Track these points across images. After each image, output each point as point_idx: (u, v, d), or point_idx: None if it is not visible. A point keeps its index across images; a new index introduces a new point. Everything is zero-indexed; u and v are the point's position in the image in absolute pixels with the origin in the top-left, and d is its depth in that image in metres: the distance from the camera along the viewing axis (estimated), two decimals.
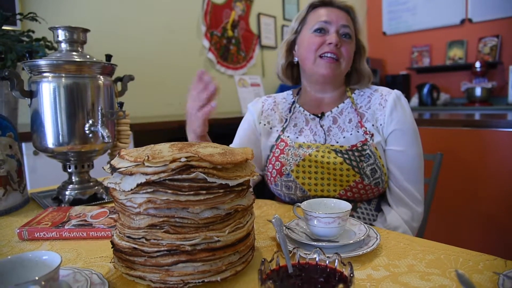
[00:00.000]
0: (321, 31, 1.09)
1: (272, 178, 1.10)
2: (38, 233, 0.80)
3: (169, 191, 0.55)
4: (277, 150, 1.11)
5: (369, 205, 1.09)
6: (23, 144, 1.53)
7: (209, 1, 3.22)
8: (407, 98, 1.20)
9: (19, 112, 1.49)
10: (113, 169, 0.59)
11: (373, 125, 1.08)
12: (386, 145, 1.08)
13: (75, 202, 1.05)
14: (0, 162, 0.98)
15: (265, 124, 1.19)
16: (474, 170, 2.07)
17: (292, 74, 1.24)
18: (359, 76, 1.16)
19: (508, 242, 1.93)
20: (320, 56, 1.08)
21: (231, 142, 1.25)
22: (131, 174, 0.56)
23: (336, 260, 0.50)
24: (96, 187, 1.11)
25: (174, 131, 2.30)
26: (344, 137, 1.08)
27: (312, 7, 1.14)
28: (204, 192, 0.55)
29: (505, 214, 1.95)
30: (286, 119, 1.17)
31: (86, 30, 1.07)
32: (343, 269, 0.48)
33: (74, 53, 1.04)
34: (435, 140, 2.18)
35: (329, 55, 1.06)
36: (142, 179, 0.55)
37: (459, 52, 4.38)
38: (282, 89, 3.36)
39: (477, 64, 4.06)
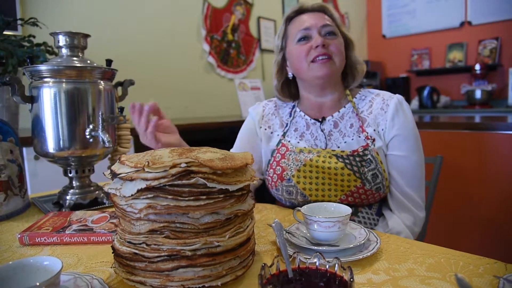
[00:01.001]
0: (305, 38, 1.09)
1: (273, 183, 1.10)
2: (39, 238, 0.80)
3: (169, 197, 0.55)
4: (278, 154, 1.11)
5: (370, 210, 1.09)
6: (24, 149, 1.54)
7: (209, 5, 3.23)
8: (407, 101, 1.19)
9: (20, 117, 1.50)
10: (114, 175, 0.60)
11: (374, 130, 1.07)
12: (387, 150, 1.08)
13: (75, 206, 1.05)
14: (1, 167, 0.98)
15: (265, 129, 1.19)
16: (474, 173, 2.06)
17: (290, 91, 1.23)
18: (352, 70, 1.16)
19: (508, 245, 1.92)
20: (313, 61, 1.07)
21: (231, 146, 1.25)
22: (132, 179, 0.56)
23: (336, 265, 0.50)
24: (97, 192, 1.11)
25: None
26: (345, 142, 1.08)
27: (289, 20, 1.15)
28: (204, 197, 0.56)
29: (505, 217, 1.94)
30: (287, 124, 1.17)
31: (86, 36, 1.08)
32: (343, 274, 0.48)
33: (74, 58, 1.05)
34: (435, 142, 2.18)
35: (320, 57, 1.06)
36: (143, 184, 0.55)
37: (458, 54, 4.39)
38: None
39: (477, 67, 4.07)
